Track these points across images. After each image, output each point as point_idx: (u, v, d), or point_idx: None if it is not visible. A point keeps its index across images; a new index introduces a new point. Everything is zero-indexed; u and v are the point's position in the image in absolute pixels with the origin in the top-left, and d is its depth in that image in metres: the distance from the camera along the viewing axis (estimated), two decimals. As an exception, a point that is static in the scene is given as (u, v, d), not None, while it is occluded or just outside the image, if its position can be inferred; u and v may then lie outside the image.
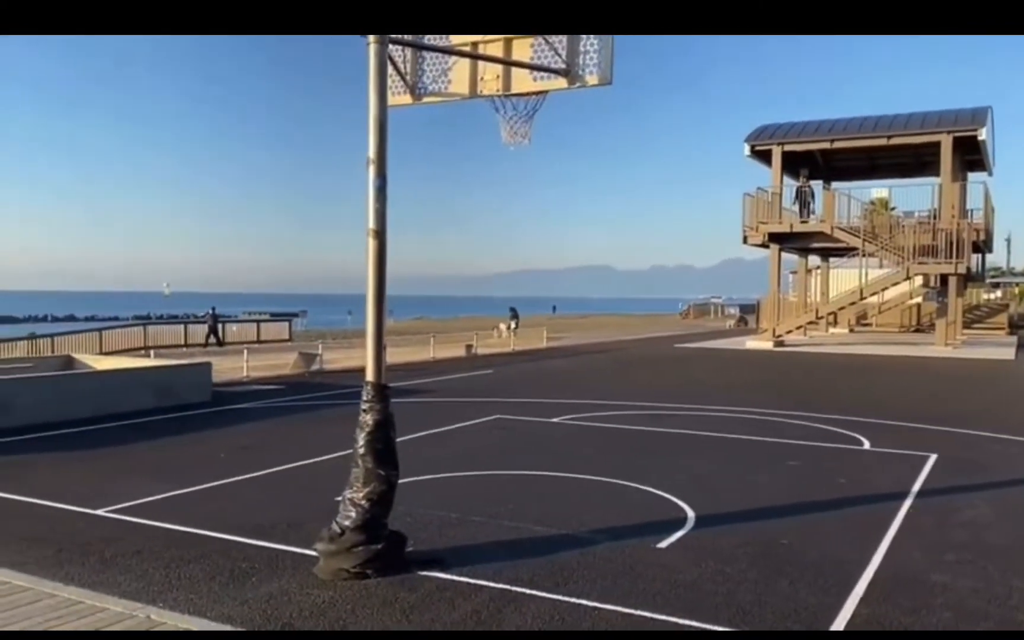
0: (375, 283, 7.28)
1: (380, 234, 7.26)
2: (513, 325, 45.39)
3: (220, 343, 36.24)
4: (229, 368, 22.33)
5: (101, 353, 28.85)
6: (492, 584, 6.86)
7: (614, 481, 10.63)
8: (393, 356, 28.69)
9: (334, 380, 22.25)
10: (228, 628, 5.92)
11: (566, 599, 6.56)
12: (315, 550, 7.20)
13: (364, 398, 7.32)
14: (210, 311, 37.45)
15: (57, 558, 7.43)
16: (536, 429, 14.85)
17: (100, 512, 8.96)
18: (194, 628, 5.88)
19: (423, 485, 10.21)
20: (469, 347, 32.36)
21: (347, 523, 7.10)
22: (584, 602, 6.50)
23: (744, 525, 8.74)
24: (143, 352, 31.20)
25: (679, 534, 8.34)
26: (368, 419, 7.24)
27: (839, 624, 6.18)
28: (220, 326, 37.94)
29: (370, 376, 7.33)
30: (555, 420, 15.73)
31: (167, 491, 9.93)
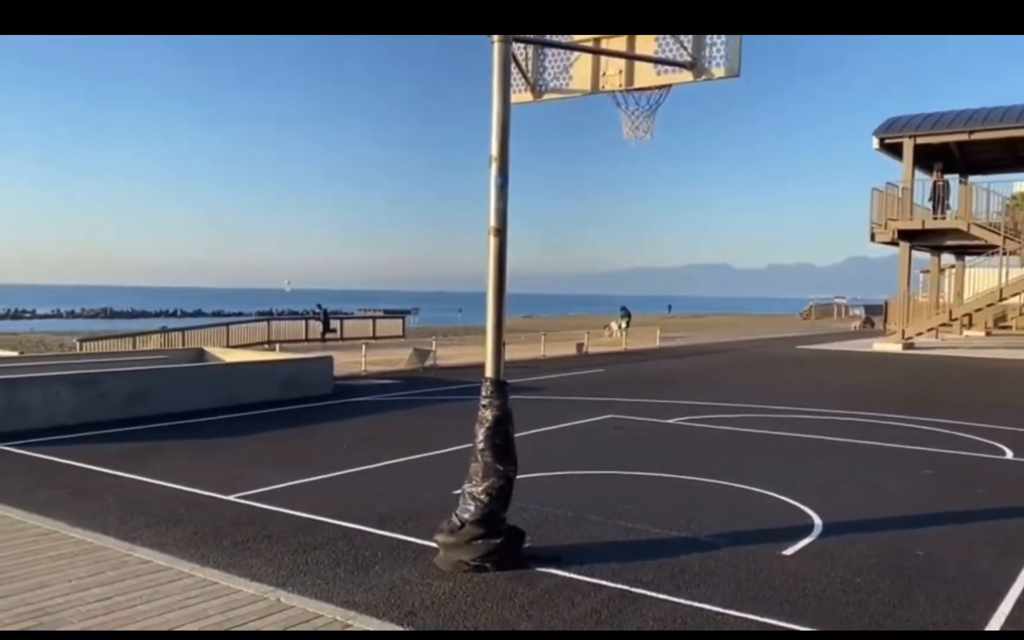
0: (495, 280, 7.30)
1: (501, 232, 7.29)
2: (624, 324, 45.02)
3: (327, 336, 37.11)
4: (347, 362, 22.92)
5: (228, 346, 30.23)
6: (611, 584, 6.79)
7: (734, 485, 10.36)
8: (507, 353, 28.86)
9: (447, 376, 22.56)
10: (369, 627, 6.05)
11: (688, 603, 6.42)
12: (435, 541, 7.29)
13: (483, 394, 7.36)
14: (318, 307, 38.46)
15: (194, 540, 7.78)
16: (651, 430, 14.64)
17: (232, 497, 9.34)
18: (322, 613, 6.03)
19: (539, 482, 10.20)
20: (580, 345, 32.24)
21: (466, 516, 7.16)
22: (707, 606, 6.35)
23: (875, 534, 8.35)
24: (266, 346, 32.43)
25: (806, 541, 8.05)
26: (487, 415, 7.27)
27: (983, 643, 5.83)
28: (339, 322, 39.05)
29: (489, 372, 7.36)
30: (671, 421, 15.48)
31: (293, 479, 10.27)
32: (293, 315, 60.33)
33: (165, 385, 15.10)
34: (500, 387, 7.35)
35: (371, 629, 5.80)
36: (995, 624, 6.14)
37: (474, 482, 7.25)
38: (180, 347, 28.09)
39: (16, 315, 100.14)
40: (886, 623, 6.10)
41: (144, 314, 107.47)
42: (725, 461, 11.84)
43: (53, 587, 6.38)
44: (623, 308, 50.01)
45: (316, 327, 39.41)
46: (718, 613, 6.23)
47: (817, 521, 8.77)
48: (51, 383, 13.69)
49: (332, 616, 5.99)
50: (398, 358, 25.45)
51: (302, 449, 12.41)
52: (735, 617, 6.16)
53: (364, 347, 23.95)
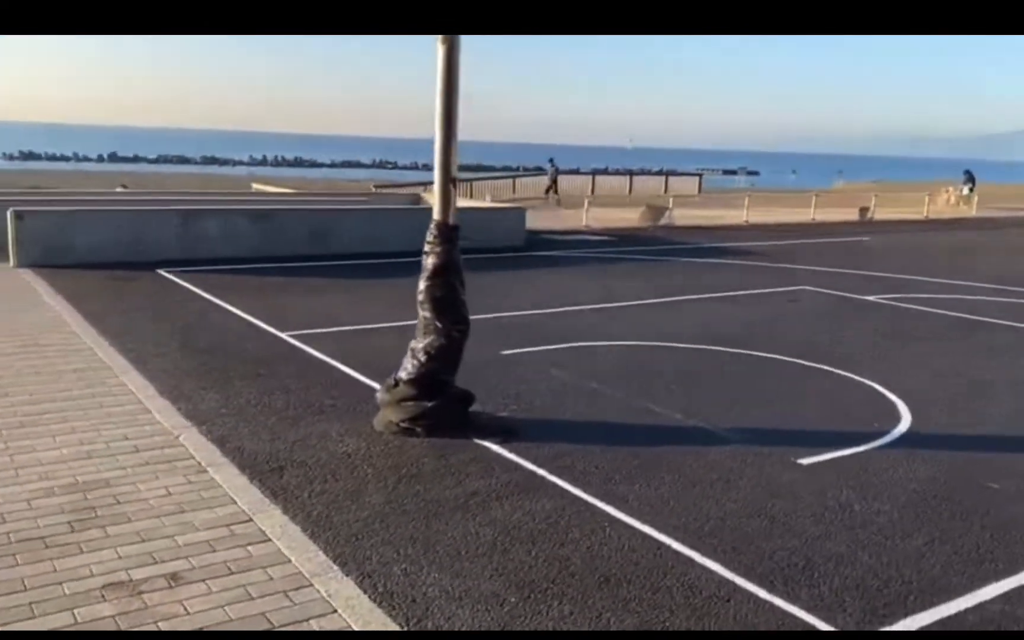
0: (443, 101, 6.22)
1: (448, 38, 6.13)
2: (966, 190, 39.43)
3: (555, 193, 35.86)
4: (571, 216, 22.26)
5: (511, 199, 31.01)
6: (533, 467, 5.77)
7: (846, 374, 8.45)
8: (767, 216, 26.48)
9: (675, 236, 21.08)
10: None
11: (592, 501, 5.26)
12: (375, 398, 6.67)
13: (427, 239, 6.46)
14: (550, 162, 37.31)
15: (192, 370, 7.82)
16: (832, 305, 12.47)
17: (283, 335, 9.36)
18: (193, 457, 5.76)
19: (625, 351, 9.19)
20: (864, 210, 28.53)
21: (403, 374, 6.44)
22: (608, 509, 5.15)
23: (959, 454, 6.32)
24: (545, 197, 32.47)
25: (848, 451, 6.28)
26: (427, 262, 6.39)
27: None
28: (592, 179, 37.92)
29: (436, 213, 6.41)
30: (869, 298, 13.08)
31: (368, 323, 10.10)
32: (615, 172, 58.84)
33: (343, 227, 15.61)
34: (446, 232, 6.39)
35: (219, 480, 5.41)
36: None
37: (417, 338, 6.47)
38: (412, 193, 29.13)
39: (380, 164, 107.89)
40: (824, 585, 4.52)
41: (488, 168, 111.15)
42: (871, 346, 9.79)
43: (14, 398, 6.77)
44: (966, 172, 44.05)
45: (606, 183, 39.36)
46: (611, 519, 5.01)
47: (899, 430, 6.86)
48: (230, 216, 14.69)
49: (199, 460, 5.67)
50: (636, 216, 24.26)
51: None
52: (625, 526, 4.92)
53: (587, 203, 23.02)
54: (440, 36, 6.12)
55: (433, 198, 6.48)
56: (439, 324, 6.33)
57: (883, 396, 7.76)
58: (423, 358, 6.36)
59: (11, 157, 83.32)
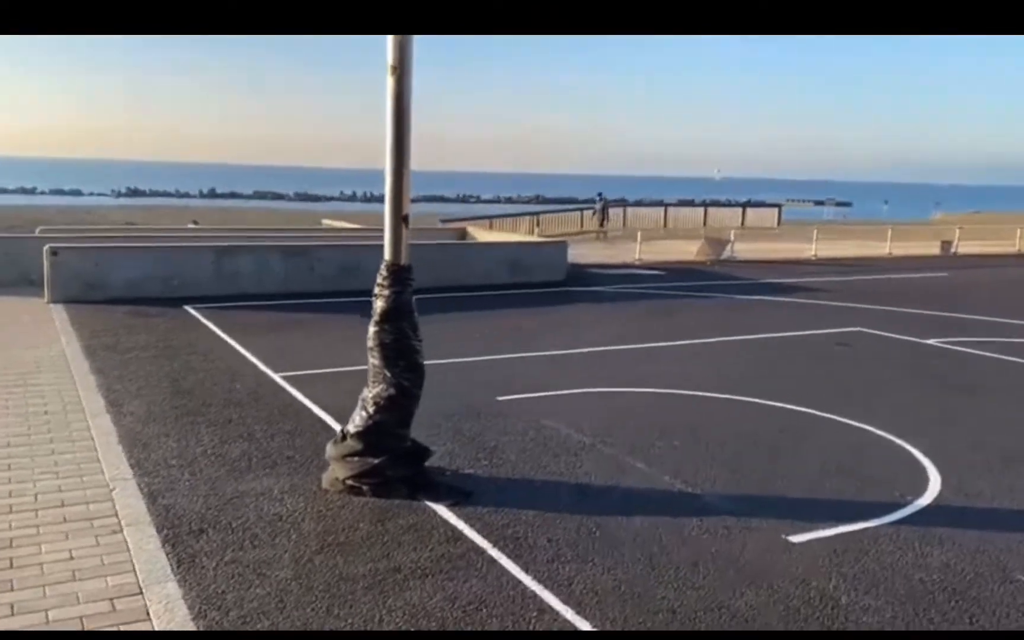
0: (394, 135, 5.72)
1: (398, 70, 5.65)
2: None
3: (602, 225, 34.71)
4: (625, 250, 21.51)
5: (563, 233, 30.34)
6: (477, 538, 5.15)
7: (876, 431, 7.55)
8: (840, 250, 25.21)
9: (734, 271, 20.09)
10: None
11: (528, 584, 4.60)
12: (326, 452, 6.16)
13: (377, 280, 5.94)
14: (599, 196, 36.41)
15: (167, 412, 7.50)
16: (885, 349, 11.44)
17: (275, 376, 8.98)
18: (123, 522, 5.34)
19: (635, 400, 8.48)
20: (946, 244, 26.85)
21: (351, 427, 5.91)
22: (543, 594, 4.49)
23: (987, 535, 5.41)
24: (598, 235, 31.80)
25: (853, 527, 5.47)
26: (377, 306, 5.87)
27: None
28: (623, 212, 36.84)
29: (387, 253, 5.90)
30: (929, 341, 11.96)
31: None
32: (701, 204, 57.16)
33: (373, 262, 15.15)
34: (397, 273, 5.86)
35: (130, 542, 4.97)
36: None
37: (368, 387, 5.94)
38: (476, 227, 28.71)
39: (463, 199, 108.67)
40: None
41: (571, 200, 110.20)
42: (909, 398, 8.85)
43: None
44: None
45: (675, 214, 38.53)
46: (544, 605, 4.33)
47: (922, 501, 5.97)
48: (263, 253, 14.52)
49: (120, 519, 5.26)
50: (696, 249, 23.35)
51: (438, 333, 11.60)
52: (556, 615, 4.24)
53: (639, 235, 22.17)
54: (389, 66, 5.63)
55: (385, 237, 5.95)
56: (388, 373, 5.79)
57: (914, 459, 6.86)
58: (371, 409, 5.83)
59: (119, 194, 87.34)
